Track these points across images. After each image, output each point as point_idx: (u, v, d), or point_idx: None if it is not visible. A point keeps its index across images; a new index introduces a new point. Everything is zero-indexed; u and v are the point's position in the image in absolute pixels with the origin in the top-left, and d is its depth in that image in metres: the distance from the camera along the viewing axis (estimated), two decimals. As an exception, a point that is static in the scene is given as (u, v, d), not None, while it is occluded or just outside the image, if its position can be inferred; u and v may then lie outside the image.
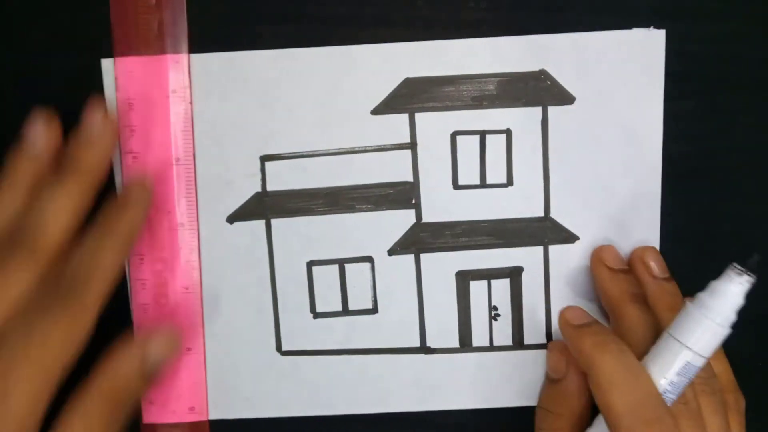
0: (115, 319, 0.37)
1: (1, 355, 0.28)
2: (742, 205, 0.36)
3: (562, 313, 0.34)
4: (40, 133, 0.32)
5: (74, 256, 0.30)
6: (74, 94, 0.36)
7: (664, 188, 0.36)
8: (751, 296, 0.36)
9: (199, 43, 0.35)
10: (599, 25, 0.35)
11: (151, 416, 0.37)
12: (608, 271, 0.35)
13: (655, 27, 0.35)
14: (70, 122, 0.36)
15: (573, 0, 0.35)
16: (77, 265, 0.30)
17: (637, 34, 0.35)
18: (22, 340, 0.28)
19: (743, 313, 0.36)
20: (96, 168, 0.32)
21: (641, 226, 0.36)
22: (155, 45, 0.35)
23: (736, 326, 0.36)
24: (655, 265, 0.35)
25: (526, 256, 0.37)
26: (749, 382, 0.37)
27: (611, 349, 0.31)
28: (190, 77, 0.36)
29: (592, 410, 0.34)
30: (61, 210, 0.30)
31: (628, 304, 0.34)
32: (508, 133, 0.36)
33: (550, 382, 0.36)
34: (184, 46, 0.35)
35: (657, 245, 0.36)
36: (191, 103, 0.36)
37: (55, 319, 0.29)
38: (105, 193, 0.36)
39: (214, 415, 0.38)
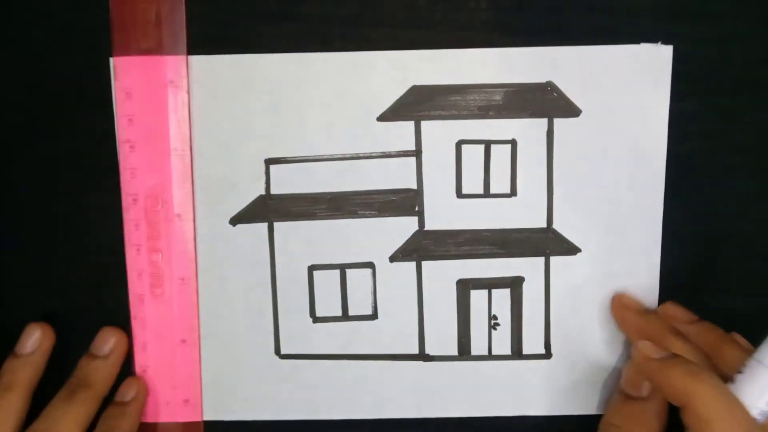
0: (112, 310, 0.37)
1: None
2: (744, 206, 0.37)
3: (638, 348, 0.32)
4: (36, 341, 0.36)
5: None
6: (78, 93, 0.36)
7: (666, 189, 0.36)
8: (750, 296, 0.37)
9: (200, 43, 0.35)
10: (598, 28, 0.35)
11: (146, 412, 0.37)
12: (637, 314, 0.35)
13: (661, 40, 0.35)
14: (73, 123, 0.36)
15: (572, 3, 0.35)
16: None
17: (645, 49, 0.35)
18: None
19: (743, 314, 0.37)
20: (104, 383, 0.36)
21: (642, 239, 0.36)
22: (153, 40, 0.35)
23: (732, 329, 0.36)
24: (685, 314, 0.35)
25: (528, 267, 0.37)
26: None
27: (706, 379, 0.30)
28: (187, 68, 0.35)
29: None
30: (72, 424, 0.34)
31: (670, 338, 0.33)
32: (513, 143, 0.36)
33: (626, 398, 0.34)
34: (183, 44, 0.35)
35: (658, 257, 0.36)
36: (188, 92, 0.36)
37: None
38: (105, 184, 0.36)
39: (211, 416, 0.38)
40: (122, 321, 0.37)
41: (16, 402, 0.34)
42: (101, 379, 0.36)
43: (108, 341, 0.36)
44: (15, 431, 0.34)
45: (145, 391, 0.37)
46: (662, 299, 0.37)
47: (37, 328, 0.36)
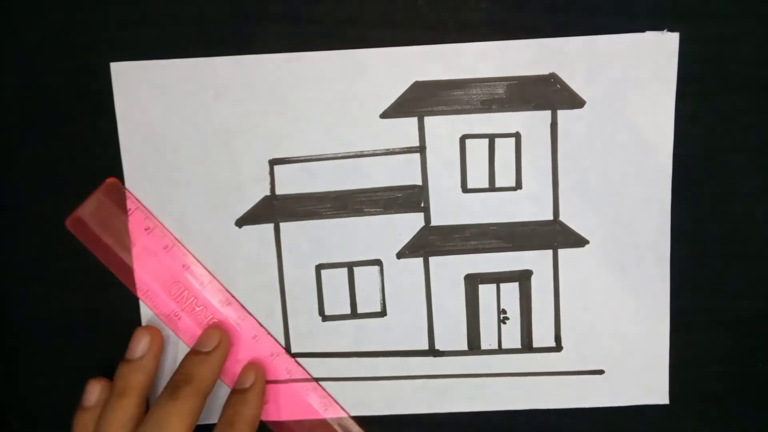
0: (116, 310, 0.37)
1: None
2: (745, 206, 0.36)
3: None
4: (146, 345, 0.36)
5: None
6: (78, 97, 0.36)
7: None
8: (751, 295, 0.37)
9: (199, 43, 0.35)
10: (598, 28, 0.35)
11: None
12: None
13: (665, 29, 0.34)
14: (74, 124, 0.36)
15: (571, 3, 0.35)
16: None
17: (650, 37, 0.34)
18: None
19: (743, 312, 0.36)
20: (207, 379, 0.35)
21: (651, 230, 0.36)
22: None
23: (736, 325, 0.36)
24: None
25: (536, 260, 0.37)
26: (750, 381, 0.37)
27: None
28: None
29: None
30: (177, 420, 0.33)
31: None
32: (517, 136, 0.36)
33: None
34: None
35: (668, 249, 0.36)
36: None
37: None
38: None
39: (224, 416, 0.38)
40: (127, 321, 0.37)
41: (131, 407, 0.34)
42: (204, 374, 0.35)
43: (212, 337, 0.36)
44: None
45: (263, 378, 0.37)
46: (672, 293, 0.36)
47: (145, 333, 0.36)
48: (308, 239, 0.37)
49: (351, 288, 0.37)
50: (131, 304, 0.37)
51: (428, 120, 0.36)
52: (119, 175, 0.36)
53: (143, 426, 0.33)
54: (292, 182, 0.36)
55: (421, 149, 0.36)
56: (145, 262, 0.37)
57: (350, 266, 0.37)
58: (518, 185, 0.36)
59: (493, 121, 0.36)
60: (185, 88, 0.35)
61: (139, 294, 0.37)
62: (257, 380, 0.36)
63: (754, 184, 0.36)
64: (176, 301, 0.37)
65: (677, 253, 0.36)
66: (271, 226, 0.37)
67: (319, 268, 0.37)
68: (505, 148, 0.36)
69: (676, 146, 0.35)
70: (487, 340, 0.37)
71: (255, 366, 0.37)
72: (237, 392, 0.36)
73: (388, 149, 0.36)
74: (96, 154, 0.36)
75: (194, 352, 0.36)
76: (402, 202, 0.36)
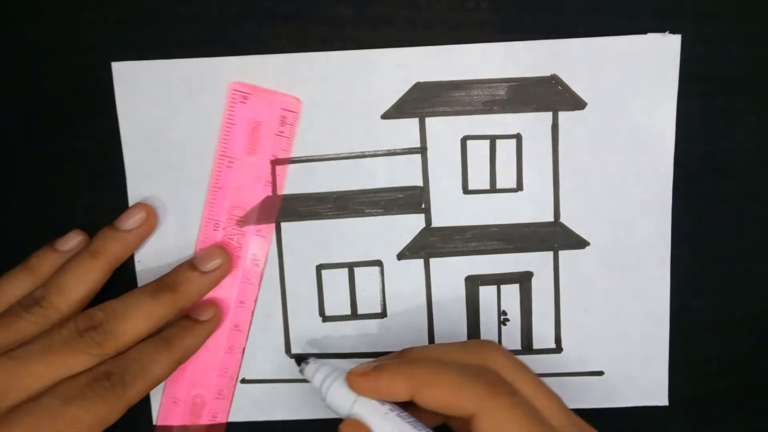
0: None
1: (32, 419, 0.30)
2: (746, 205, 0.36)
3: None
4: (137, 222, 0.35)
5: (132, 354, 0.33)
6: (79, 97, 0.36)
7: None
8: (750, 295, 0.37)
9: (200, 43, 0.35)
10: (598, 29, 0.35)
11: (167, 416, 0.37)
12: None
13: (667, 31, 0.35)
14: (75, 124, 0.36)
15: (572, 3, 0.35)
16: (132, 363, 0.33)
17: (651, 39, 0.35)
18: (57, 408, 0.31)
19: (743, 313, 0.36)
20: (192, 296, 0.35)
21: (652, 232, 0.36)
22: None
23: (736, 326, 0.36)
24: None
25: (536, 261, 0.37)
26: (749, 381, 0.37)
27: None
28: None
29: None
30: (144, 316, 0.33)
31: None
32: (518, 138, 0.36)
33: None
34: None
35: (668, 251, 0.36)
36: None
37: (92, 406, 0.31)
38: (108, 185, 0.36)
39: (223, 417, 0.38)
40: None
41: (94, 270, 0.34)
42: (191, 290, 0.35)
43: (213, 259, 0.35)
44: (88, 295, 0.34)
45: (219, 321, 0.36)
46: (672, 294, 0.37)
47: (142, 210, 0.35)
48: (309, 239, 0.37)
49: (351, 289, 0.37)
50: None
51: (429, 121, 0.36)
52: (120, 174, 0.36)
53: (111, 301, 0.33)
54: (293, 182, 0.36)
55: (422, 150, 0.36)
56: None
57: (351, 267, 0.37)
58: (519, 187, 0.36)
59: (494, 123, 0.36)
60: (187, 88, 0.35)
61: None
62: (213, 319, 0.36)
63: (754, 184, 0.36)
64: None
65: (677, 253, 0.36)
66: (271, 226, 0.37)
67: (320, 268, 0.37)
68: (506, 150, 0.36)
69: (676, 148, 0.35)
70: (488, 342, 0.37)
71: (216, 306, 0.36)
72: (189, 318, 0.35)
73: (389, 150, 0.36)
74: (97, 154, 0.36)
75: (191, 265, 0.35)
76: (403, 203, 0.36)
